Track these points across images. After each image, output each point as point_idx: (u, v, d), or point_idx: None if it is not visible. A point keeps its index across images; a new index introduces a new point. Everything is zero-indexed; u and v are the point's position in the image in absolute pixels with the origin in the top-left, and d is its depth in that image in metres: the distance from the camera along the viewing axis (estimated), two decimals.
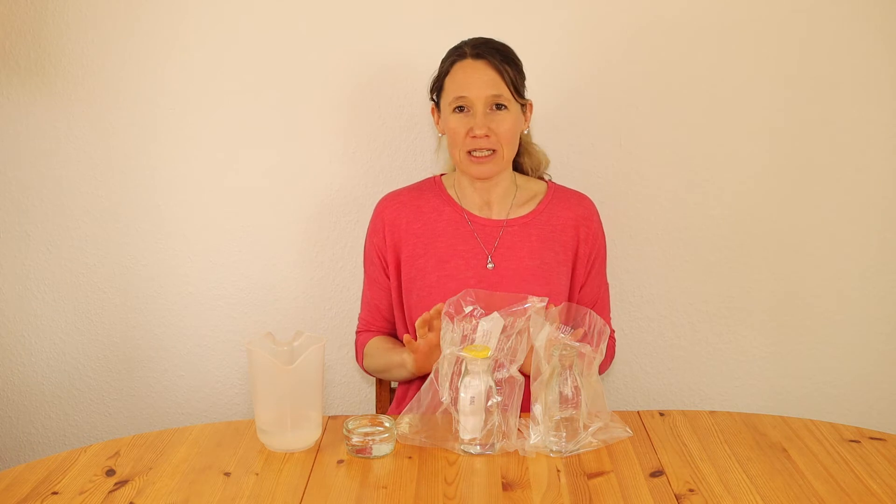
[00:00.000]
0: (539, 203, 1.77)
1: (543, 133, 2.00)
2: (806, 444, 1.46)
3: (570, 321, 1.51)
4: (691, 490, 1.32)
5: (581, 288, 1.77)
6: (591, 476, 1.36)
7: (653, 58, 2.01)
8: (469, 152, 1.67)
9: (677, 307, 2.13)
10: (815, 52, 2.00)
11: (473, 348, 1.42)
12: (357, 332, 1.86)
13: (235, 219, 2.09)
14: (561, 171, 1.95)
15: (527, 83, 1.73)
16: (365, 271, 1.82)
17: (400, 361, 1.65)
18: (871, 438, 1.48)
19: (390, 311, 1.80)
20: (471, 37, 1.72)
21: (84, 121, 2.03)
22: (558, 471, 1.37)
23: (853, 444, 1.46)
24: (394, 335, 1.83)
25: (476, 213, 1.75)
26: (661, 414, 1.58)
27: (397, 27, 2.00)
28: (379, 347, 1.77)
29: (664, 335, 2.15)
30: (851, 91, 2.01)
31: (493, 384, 1.41)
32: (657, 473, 1.37)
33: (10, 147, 2.05)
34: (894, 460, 1.40)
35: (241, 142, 2.05)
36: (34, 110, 2.03)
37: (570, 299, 1.74)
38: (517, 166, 1.82)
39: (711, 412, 1.58)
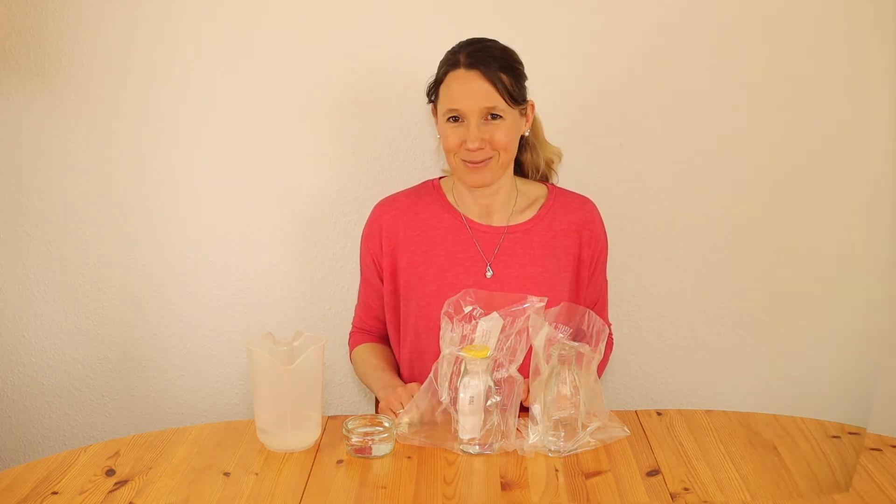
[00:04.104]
0: (540, 208, 1.75)
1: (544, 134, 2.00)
2: (795, 441, 1.47)
3: (568, 321, 1.51)
4: (686, 489, 1.32)
5: (584, 289, 1.77)
6: (588, 476, 1.37)
7: (653, 59, 2.01)
8: (464, 161, 1.65)
9: (676, 307, 2.13)
10: (815, 53, 2.00)
11: (473, 348, 1.42)
12: (352, 328, 1.87)
13: (235, 219, 2.09)
14: (561, 172, 1.94)
15: (529, 85, 1.70)
16: (361, 271, 1.83)
17: (374, 388, 1.73)
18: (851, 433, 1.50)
19: (382, 312, 1.80)
20: (470, 37, 1.68)
21: (84, 121, 2.04)
22: (556, 470, 1.38)
23: (836, 440, 1.48)
24: (386, 336, 1.83)
25: (476, 219, 1.73)
26: (659, 413, 1.58)
27: (397, 27, 2.00)
28: (364, 361, 1.78)
29: (663, 335, 2.15)
30: (852, 92, 2.01)
31: (492, 384, 1.42)
32: (653, 473, 1.37)
33: (10, 147, 2.05)
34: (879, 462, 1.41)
35: (241, 142, 2.05)
36: (34, 110, 2.03)
37: (574, 303, 1.74)
38: (518, 165, 1.81)
39: (707, 411, 1.59)
